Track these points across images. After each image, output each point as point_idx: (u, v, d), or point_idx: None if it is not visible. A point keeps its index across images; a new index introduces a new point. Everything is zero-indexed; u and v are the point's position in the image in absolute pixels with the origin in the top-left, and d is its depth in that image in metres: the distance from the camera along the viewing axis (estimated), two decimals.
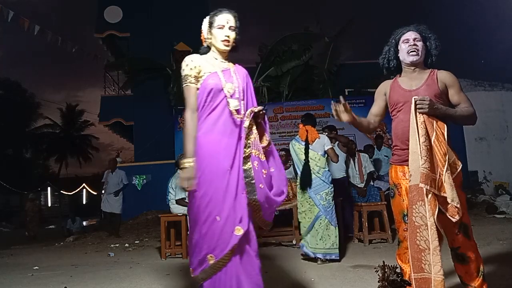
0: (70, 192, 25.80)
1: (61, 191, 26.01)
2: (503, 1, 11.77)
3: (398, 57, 2.29)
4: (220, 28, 2.20)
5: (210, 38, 2.24)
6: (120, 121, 14.04)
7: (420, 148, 1.99)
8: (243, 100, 2.23)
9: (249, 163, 2.13)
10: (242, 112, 2.19)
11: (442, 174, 2.01)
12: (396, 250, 2.28)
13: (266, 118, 2.29)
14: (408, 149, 2.09)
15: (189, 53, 2.32)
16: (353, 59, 12.55)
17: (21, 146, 24.85)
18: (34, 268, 5.10)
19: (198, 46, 2.35)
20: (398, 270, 2.17)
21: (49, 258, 6.08)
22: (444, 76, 2.23)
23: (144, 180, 11.07)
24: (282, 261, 4.47)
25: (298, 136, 4.75)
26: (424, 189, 1.96)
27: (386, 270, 2.15)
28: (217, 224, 2.08)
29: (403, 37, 2.25)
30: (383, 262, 2.21)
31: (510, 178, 9.62)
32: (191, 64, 2.20)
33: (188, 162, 2.11)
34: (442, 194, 2.00)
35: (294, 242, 5.68)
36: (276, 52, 10.54)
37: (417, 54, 2.20)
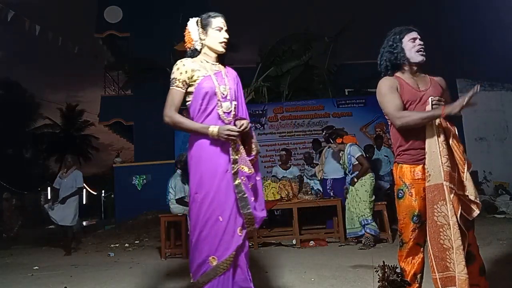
0: None
1: None
2: (503, 1, 11.77)
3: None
4: (218, 30, 2.22)
5: (204, 40, 2.25)
6: (120, 121, 14.01)
7: (440, 147, 2.01)
8: (234, 101, 2.27)
9: (238, 179, 2.15)
10: (233, 113, 2.24)
11: (463, 172, 2.05)
12: (398, 251, 2.23)
13: (251, 130, 2.29)
14: (421, 148, 2.10)
15: None
16: (353, 59, 12.51)
17: (21, 146, 24.81)
18: (34, 268, 5.11)
19: None
20: (398, 270, 2.16)
21: (49, 258, 6.09)
22: (440, 80, 2.28)
23: (144, 180, 11.07)
24: (282, 261, 4.47)
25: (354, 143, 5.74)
26: (449, 187, 1.97)
27: (386, 270, 2.15)
28: (219, 224, 2.08)
29: (410, 36, 2.21)
30: (383, 262, 2.20)
31: (510, 178, 9.61)
32: (182, 68, 2.20)
33: (212, 128, 2.10)
34: (464, 193, 2.02)
35: (294, 242, 5.69)
36: (276, 52, 10.52)
37: (424, 54, 2.19)
